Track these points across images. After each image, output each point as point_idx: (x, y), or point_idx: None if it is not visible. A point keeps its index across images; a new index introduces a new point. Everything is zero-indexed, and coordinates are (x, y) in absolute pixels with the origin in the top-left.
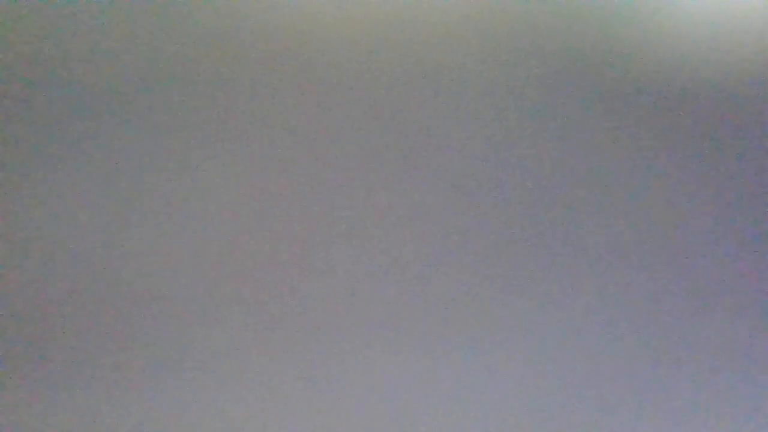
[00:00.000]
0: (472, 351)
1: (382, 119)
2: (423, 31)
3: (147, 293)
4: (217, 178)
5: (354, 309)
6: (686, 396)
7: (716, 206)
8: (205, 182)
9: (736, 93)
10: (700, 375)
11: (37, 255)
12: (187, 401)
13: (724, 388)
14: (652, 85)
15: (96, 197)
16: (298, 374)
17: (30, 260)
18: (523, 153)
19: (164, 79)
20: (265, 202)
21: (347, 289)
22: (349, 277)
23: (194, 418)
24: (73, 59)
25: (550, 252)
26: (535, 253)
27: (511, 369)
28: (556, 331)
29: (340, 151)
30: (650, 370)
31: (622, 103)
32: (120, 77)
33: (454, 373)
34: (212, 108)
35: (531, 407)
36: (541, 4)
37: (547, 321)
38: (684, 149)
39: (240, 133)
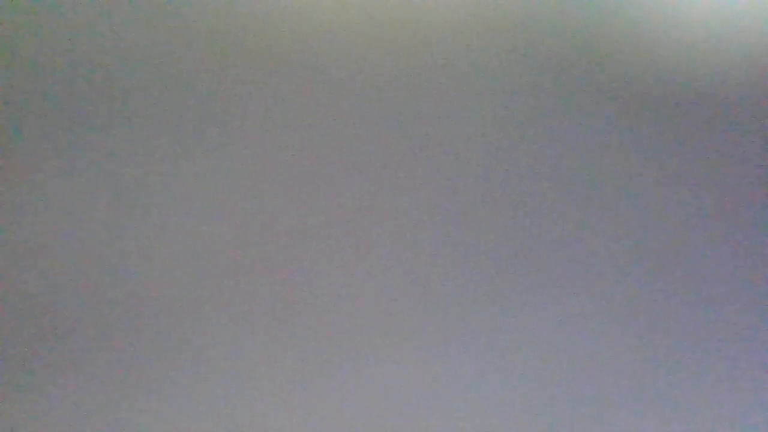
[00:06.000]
0: (473, 351)
1: (382, 119)
2: (423, 31)
3: (146, 293)
4: (217, 178)
5: (354, 309)
6: (686, 396)
7: (716, 206)
8: (206, 183)
9: (736, 93)
10: (700, 375)
11: (37, 255)
12: (187, 401)
13: (724, 388)
14: (652, 85)
15: (96, 197)
16: (298, 374)
17: (30, 260)
18: (523, 153)
19: (164, 79)
20: (266, 202)
21: (347, 289)
22: (349, 277)
23: (194, 418)
24: (73, 59)
25: (551, 252)
26: (535, 253)
27: (511, 369)
28: (556, 331)
29: (340, 151)
30: (650, 369)
31: (623, 103)
32: (120, 77)
33: (455, 372)
34: (212, 108)
35: (531, 407)
36: (541, 3)
37: (548, 320)
38: (684, 149)
39: (240, 134)
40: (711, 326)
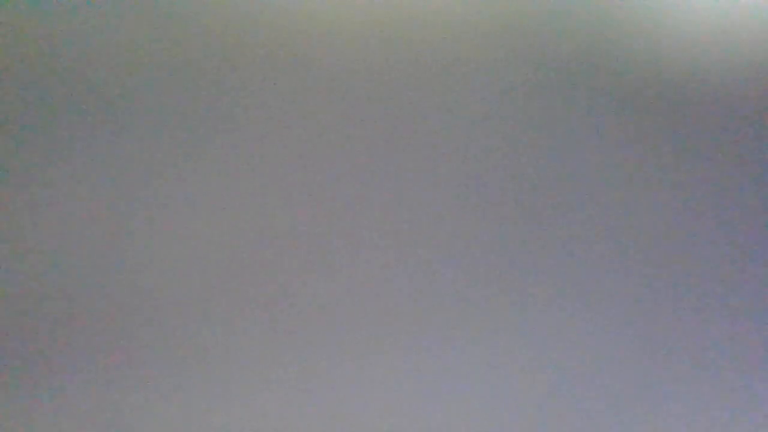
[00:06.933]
0: (473, 351)
1: (383, 119)
2: (423, 31)
3: (146, 293)
4: (217, 178)
5: (354, 309)
6: (686, 396)
7: (716, 206)
8: (206, 182)
9: (736, 93)
10: (700, 375)
11: (37, 255)
12: (187, 401)
13: (724, 387)
14: (652, 86)
15: (95, 198)
16: (297, 374)
17: (30, 260)
18: (523, 153)
19: (164, 79)
20: (265, 202)
21: (347, 289)
22: (349, 277)
23: (193, 418)
24: (73, 59)
25: (551, 252)
26: (535, 253)
27: (511, 368)
28: (556, 331)
29: (340, 151)
30: (651, 369)
31: (622, 104)
32: (120, 77)
33: (455, 372)
34: (212, 108)
35: (531, 407)
36: (541, 4)
37: (547, 320)
38: (684, 149)
39: (240, 134)
40: (712, 327)
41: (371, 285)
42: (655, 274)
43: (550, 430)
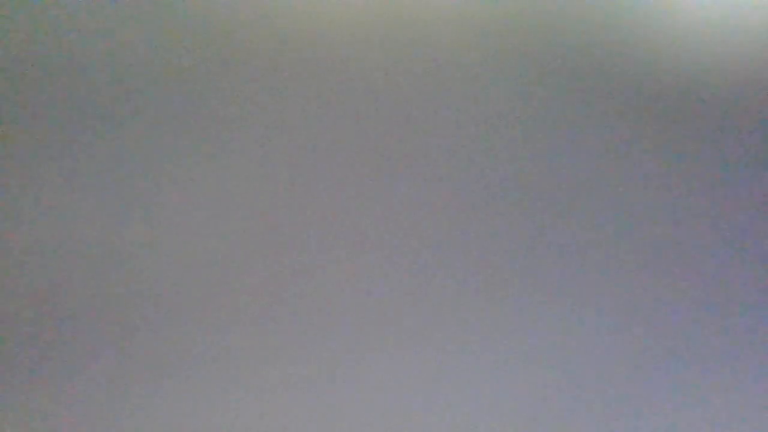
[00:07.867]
0: (472, 351)
1: (382, 119)
2: (423, 30)
3: (145, 293)
4: (217, 178)
5: (353, 309)
6: (686, 396)
7: (716, 206)
8: (206, 183)
9: (736, 93)
10: (701, 374)
11: (37, 255)
12: (186, 401)
13: (725, 388)
14: (652, 85)
15: (95, 198)
16: (297, 374)
17: (30, 260)
18: (522, 153)
19: (164, 79)
20: (265, 202)
21: (347, 289)
22: (349, 277)
23: (193, 418)
24: (73, 59)
25: (551, 252)
26: (535, 254)
27: (511, 369)
28: (556, 331)
29: (340, 152)
30: (650, 370)
31: (622, 104)
32: (120, 77)
33: (454, 373)
34: (212, 108)
35: (531, 407)
36: (541, 3)
37: (547, 321)
38: (684, 149)
39: (240, 134)
40: (711, 327)
41: (371, 285)
42: (655, 275)
43: (550, 429)
